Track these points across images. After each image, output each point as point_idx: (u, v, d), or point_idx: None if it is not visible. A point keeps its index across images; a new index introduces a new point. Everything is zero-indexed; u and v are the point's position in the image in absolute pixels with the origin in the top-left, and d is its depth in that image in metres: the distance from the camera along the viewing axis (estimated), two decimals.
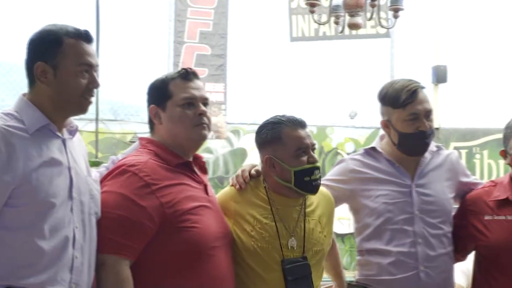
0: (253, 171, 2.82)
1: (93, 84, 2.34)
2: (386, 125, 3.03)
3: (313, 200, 2.86)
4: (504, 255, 2.86)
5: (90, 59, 2.33)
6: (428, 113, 2.96)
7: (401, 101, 2.93)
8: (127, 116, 10.04)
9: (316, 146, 2.80)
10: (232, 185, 2.81)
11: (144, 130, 8.61)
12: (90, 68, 2.33)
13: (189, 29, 9.36)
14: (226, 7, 9.49)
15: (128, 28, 9.75)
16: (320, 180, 2.76)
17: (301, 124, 2.76)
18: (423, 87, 3.02)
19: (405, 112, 2.94)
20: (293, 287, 2.67)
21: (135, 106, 10.05)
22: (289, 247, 2.71)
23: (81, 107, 2.35)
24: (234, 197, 2.78)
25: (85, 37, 2.33)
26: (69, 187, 2.27)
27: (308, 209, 2.82)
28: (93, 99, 2.36)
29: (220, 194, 2.83)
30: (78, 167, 2.35)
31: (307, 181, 2.71)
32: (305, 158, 2.72)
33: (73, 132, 2.40)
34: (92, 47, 2.36)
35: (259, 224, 2.72)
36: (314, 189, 2.75)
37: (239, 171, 2.85)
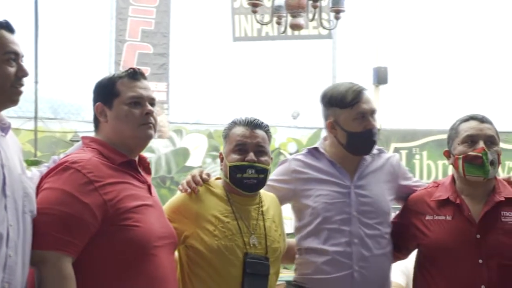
0: (204, 175, 2.86)
1: (22, 72, 2.29)
2: (332, 126, 3.06)
3: (266, 201, 2.92)
4: (443, 255, 2.89)
5: (15, 47, 2.28)
6: (373, 112, 3.02)
7: (348, 101, 2.99)
8: (67, 114, 9.90)
9: (266, 150, 2.85)
10: (179, 196, 2.84)
11: (85, 129, 8.53)
12: (16, 57, 2.28)
13: (131, 27, 9.28)
14: (169, 6, 9.44)
15: (68, 25, 9.60)
16: (256, 180, 2.80)
17: (250, 125, 2.83)
18: (365, 89, 3.08)
19: (353, 111, 2.99)
20: (249, 281, 2.72)
21: (75, 105, 9.91)
22: (251, 245, 2.77)
23: (12, 98, 2.29)
24: (194, 200, 2.80)
25: (6, 26, 2.28)
26: (2, 185, 2.21)
27: (263, 209, 2.88)
28: (23, 89, 2.31)
29: (178, 198, 2.85)
30: (12, 165, 2.29)
31: (239, 178, 2.78)
32: (242, 156, 2.79)
33: (5, 129, 2.34)
34: (15, 37, 2.30)
35: (221, 223, 2.76)
36: (245, 187, 2.80)
37: (188, 177, 2.86)
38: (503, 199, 2.90)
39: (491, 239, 2.84)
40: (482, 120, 2.95)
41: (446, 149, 3.03)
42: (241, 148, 2.80)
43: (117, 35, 9.26)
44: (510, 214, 2.89)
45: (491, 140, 2.92)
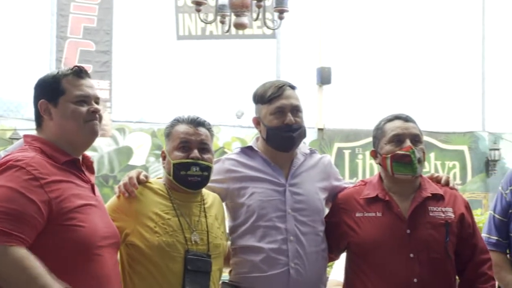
0: (141, 176, 2.84)
1: None
2: (257, 122, 3.11)
3: (208, 199, 2.93)
4: (373, 251, 2.93)
5: None
6: (294, 109, 3.03)
7: (268, 96, 3.03)
8: (6, 112, 9.69)
9: (209, 148, 2.87)
10: (119, 195, 2.82)
11: (25, 127, 8.37)
12: None
13: (72, 24, 9.15)
14: (111, 3, 9.35)
15: (7, 21, 9.40)
16: (199, 178, 2.82)
17: (194, 122, 2.85)
18: (293, 87, 3.10)
19: (271, 106, 3.02)
20: (191, 278, 2.72)
21: (15, 102, 9.71)
22: (193, 241, 2.77)
23: None
24: (134, 198, 2.79)
25: None
26: None
27: (205, 206, 2.90)
28: None
29: (118, 197, 2.83)
30: None
31: (183, 175, 2.80)
32: (186, 154, 2.80)
33: None
34: None
35: (162, 220, 2.76)
36: (189, 184, 2.82)
37: (125, 179, 2.84)
38: (430, 195, 2.98)
39: (421, 233, 2.91)
40: (407, 119, 3.02)
41: (373, 149, 3.08)
42: (185, 145, 2.82)
43: (59, 31, 9.12)
44: (437, 209, 2.97)
45: (416, 139, 2.98)
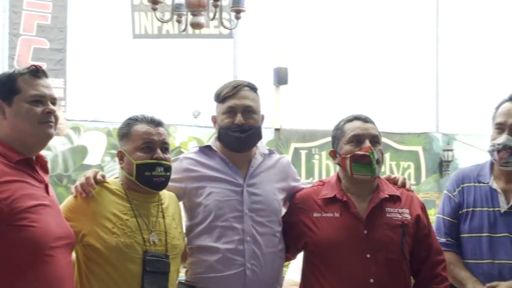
0: (98, 176, 2.82)
1: None
2: (214, 120, 3.12)
3: (165, 199, 2.92)
4: (330, 251, 2.96)
5: None
6: (246, 109, 3.03)
7: (222, 95, 3.04)
8: None
9: (169, 147, 2.88)
10: (76, 195, 2.78)
11: None
12: None
13: (26, 21, 9.00)
14: (65, 1, 9.23)
15: None
16: (164, 178, 2.82)
17: (154, 122, 2.85)
18: (252, 88, 3.10)
19: (224, 105, 3.04)
20: (149, 279, 2.72)
21: None
22: (151, 242, 2.77)
23: None
24: (91, 198, 2.77)
25: None
26: None
27: (163, 206, 2.89)
28: None
29: (74, 197, 2.80)
30: None
31: (147, 175, 2.79)
32: (149, 154, 2.79)
33: None
34: None
35: (120, 221, 2.75)
36: (154, 185, 2.82)
37: (82, 179, 2.81)
38: (387, 196, 3.01)
39: (378, 234, 2.95)
40: (366, 120, 3.05)
41: (332, 149, 3.09)
42: (148, 146, 2.80)
43: (11, 28, 8.96)
44: (393, 210, 3.00)
45: (375, 140, 3.01)
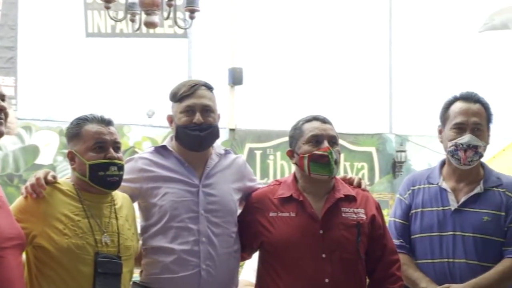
0: (49, 177, 2.78)
1: None
2: (170, 120, 3.11)
3: (118, 199, 2.90)
4: (286, 251, 2.96)
5: None
6: (205, 108, 3.03)
7: (179, 94, 3.03)
8: None
9: (121, 146, 2.87)
10: (26, 196, 2.74)
11: None
12: None
13: None
14: None
15: None
16: (118, 177, 2.80)
17: (104, 122, 2.83)
18: (208, 87, 3.10)
19: (182, 104, 3.03)
20: (101, 280, 2.70)
21: None
22: (103, 243, 2.75)
23: None
24: (42, 199, 2.73)
25: None
26: None
27: (116, 206, 2.87)
28: None
29: (25, 198, 2.75)
30: None
31: (101, 175, 2.77)
32: (102, 154, 2.78)
33: None
34: None
35: (71, 222, 2.72)
36: (108, 185, 2.80)
37: (32, 179, 2.77)
38: (343, 196, 3.03)
39: (333, 234, 2.96)
40: (324, 120, 3.06)
41: (289, 148, 3.09)
42: (100, 145, 2.78)
43: None
44: (349, 210, 3.02)
45: (333, 140, 3.03)
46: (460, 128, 3.14)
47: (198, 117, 3.01)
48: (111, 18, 6.60)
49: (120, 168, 2.81)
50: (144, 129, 10.39)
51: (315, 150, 2.97)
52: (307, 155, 2.98)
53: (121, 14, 6.47)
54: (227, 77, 10.84)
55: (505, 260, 3.09)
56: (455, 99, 3.21)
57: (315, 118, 3.04)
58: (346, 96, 11.45)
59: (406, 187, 3.31)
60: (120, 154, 2.83)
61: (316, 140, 2.99)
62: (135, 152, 9.75)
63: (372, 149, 11.85)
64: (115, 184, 2.81)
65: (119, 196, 2.93)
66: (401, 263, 3.10)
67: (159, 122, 9.95)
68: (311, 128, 3.01)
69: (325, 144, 2.98)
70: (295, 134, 3.06)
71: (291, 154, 3.09)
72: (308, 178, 3.02)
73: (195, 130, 3.01)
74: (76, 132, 2.83)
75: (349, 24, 11.59)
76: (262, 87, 11.21)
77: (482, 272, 3.07)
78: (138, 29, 6.39)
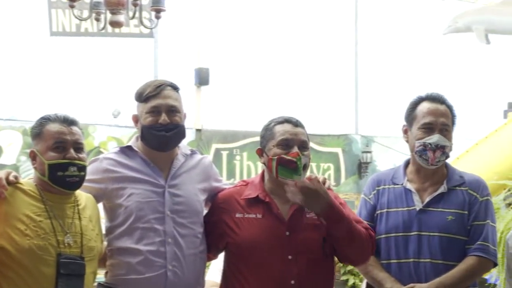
0: (11, 177, 2.74)
1: None
2: (135, 120, 3.08)
3: (82, 200, 2.88)
4: (252, 252, 2.95)
5: None
6: (170, 109, 3.02)
7: (145, 94, 3.01)
8: None
9: (84, 147, 2.85)
10: None
11: None
12: None
13: None
14: None
15: None
16: (77, 178, 2.78)
17: (67, 121, 2.80)
18: (174, 87, 3.08)
19: (147, 105, 3.01)
20: (64, 281, 2.67)
21: None
22: (66, 244, 2.72)
23: None
24: (3, 199, 2.70)
25: None
26: None
27: (79, 207, 2.84)
28: None
29: None
30: None
31: (60, 176, 2.74)
32: (62, 154, 2.75)
33: None
34: None
35: (33, 223, 2.69)
36: (67, 185, 2.77)
37: None
38: None
39: (300, 235, 2.96)
40: (296, 124, 3.04)
41: (259, 147, 3.09)
42: (60, 145, 2.76)
43: None
44: None
45: (304, 145, 3.01)
46: (429, 128, 3.16)
47: (164, 118, 2.99)
48: (76, 17, 6.55)
49: (81, 169, 2.78)
50: (109, 129, 10.34)
51: (284, 153, 2.96)
52: (275, 157, 2.97)
53: (86, 13, 6.42)
54: (193, 77, 10.82)
55: (468, 258, 3.12)
56: (421, 100, 3.23)
57: (287, 121, 3.03)
58: (313, 97, 11.51)
59: (371, 188, 3.32)
60: (82, 155, 2.80)
61: (286, 144, 2.98)
62: (100, 152, 9.69)
63: (338, 150, 11.93)
64: (74, 185, 2.78)
65: (83, 196, 2.90)
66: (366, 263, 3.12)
67: (124, 122, 9.91)
68: (282, 132, 3.00)
69: (295, 149, 2.97)
70: (266, 134, 3.05)
71: (260, 153, 3.08)
72: (275, 180, 3.01)
73: (161, 131, 2.99)
74: (38, 131, 2.80)
75: (315, 25, 11.64)
76: (229, 87, 11.21)
77: (447, 271, 3.09)
78: (103, 28, 6.34)
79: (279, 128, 3.02)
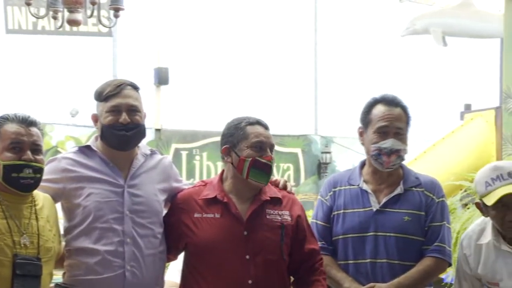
0: None
1: None
2: (95, 119, 3.07)
3: (39, 200, 2.85)
4: (210, 252, 2.95)
5: None
6: (131, 108, 3.01)
7: (105, 93, 3.00)
8: None
9: (42, 148, 2.82)
10: None
11: None
12: None
13: None
14: None
15: None
16: (32, 180, 2.75)
17: (25, 122, 2.77)
18: (134, 87, 3.07)
19: (107, 104, 3.00)
20: (20, 282, 2.65)
21: None
22: (22, 245, 2.70)
23: None
24: None
25: None
26: None
27: (37, 207, 2.81)
28: None
29: None
30: None
31: (14, 177, 2.71)
32: (18, 155, 2.72)
33: None
34: None
35: None
36: (21, 187, 2.74)
37: None
38: (269, 198, 3.04)
39: (258, 235, 2.97)
40: (266, 127, 3.07)
41: (226, 145, 3.07)
42: (16, 146, 2.72)
43: None
44: (274, 212, 3.03)
45: (272, 148, 3.05)
46: (383, 133, 3.19)
47: (124, 117, 2.97)
48: (33, 15, 6.47)
49: (37, 170, 2.75)
50: (67, 128, 10.25)
51: (258, 155, 2.97)
52: (249, 159, 2.97)
53: (42, 11, 6.35)
54: (153, 76, 10.77)
55: (425, 259, 3.16)
56: (376, 102, 3.26)
57: (258, 123, 3.04)
58: (273, 97, 11.54)
59: (328, 189, 3.34)
60: (39, 157, 2.76)
61: (260, 146, 2.99)
62: (58, 152, 9.58)
63: (298, 150, 11.98)
64: (28, 187, 2.75)
65: (41, 196, 2.87)
66: (324, 264, 3.13)
67: (83, 122, 9.82)
68: (256, 133, 3.00)
69: (269, 152, 3.00)
70: (237, 134, 3.03)
71: (227, 152, 3.07)
72: (241, 180, 3.01)
73: (121, 130, 2.97)
74: None
75: (275, 26, 11.68)
76: (189, 87, 11.19)
77: (403, 272, 3.12)
78: (60, 26, 6.26)
79: (252, 130, 3.02)
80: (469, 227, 3.37)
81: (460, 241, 3.26)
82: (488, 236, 3.09)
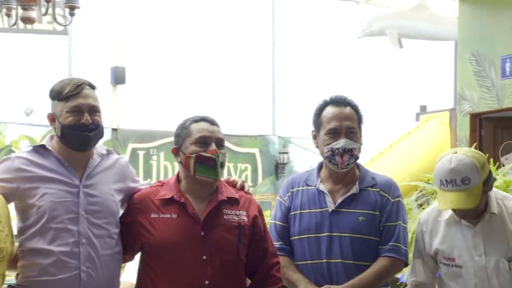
0: None
1: None
2: (52, 118, 3.03)
3: None
4: (166, 253, 2.94)
5: None
6: (92, 108, 3.00)
7: (65, 93, 2.97)
8: None
9: None
10: None
11: None
12: None
13: None
14: None
15: None
16: None
17: None
18: (92, 86, 3.05)
19: (68, 104, 2.97)
20: None
21: None
22: None
23: None
24: None
25: None
26: None
27: None
28: None
29: None
30: None
31: None
32: None
33: None
34: None
35: None
36: None
37: None
38: (225, 198, 3.04)
39: (215, 236, 2.96)
40: (212, 122, 3.06)
41: (175, 146, 3.07)
42: None
43: None
44: (231, 212, 3.03)
45: (220, 143, 3.03)
46: (335, 133, 3.22)
47: (86, 118, 2.95)
48: None
49: None
50: (21, 127, 10.12)
51: (202, 151, 2.97)
52: (193, 155, 2.97)
53: None
54: (109, 76, 10.69)
55: (380, 259, 3.19)
56: (326, 104, 3.29)
57: (203, 119, 3.04)
58: (230, 97, 11.54)
59: (286, 190, 3.36)
60: None
61: (204, 141, 2.99)
62: (12, 151, 9.44)
63: (256, 151, 12.00)
64: None
65: None
66: (281, 265, 3.14)
67: (37, 121, 9.69)
68: (199, 129, 3.00)
69: (213, 146, 2.98)
70: (182, 133, 3.04)
71: (175, 152, 3.07)
72: (192, 178, 3.01)
73: (84, 131, 2.95)
74: None
75: (232, 26, 11.69)
76: (146, 86, 11.13)
77: (358, 272, 3.15)
78: (14, 24, 6.17)
79: (196, 126, 3.02)
80: (429, 207, 3.42)
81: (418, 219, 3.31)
82: (448, 213, 3.14)
